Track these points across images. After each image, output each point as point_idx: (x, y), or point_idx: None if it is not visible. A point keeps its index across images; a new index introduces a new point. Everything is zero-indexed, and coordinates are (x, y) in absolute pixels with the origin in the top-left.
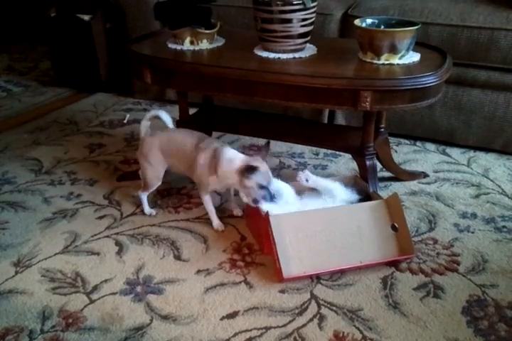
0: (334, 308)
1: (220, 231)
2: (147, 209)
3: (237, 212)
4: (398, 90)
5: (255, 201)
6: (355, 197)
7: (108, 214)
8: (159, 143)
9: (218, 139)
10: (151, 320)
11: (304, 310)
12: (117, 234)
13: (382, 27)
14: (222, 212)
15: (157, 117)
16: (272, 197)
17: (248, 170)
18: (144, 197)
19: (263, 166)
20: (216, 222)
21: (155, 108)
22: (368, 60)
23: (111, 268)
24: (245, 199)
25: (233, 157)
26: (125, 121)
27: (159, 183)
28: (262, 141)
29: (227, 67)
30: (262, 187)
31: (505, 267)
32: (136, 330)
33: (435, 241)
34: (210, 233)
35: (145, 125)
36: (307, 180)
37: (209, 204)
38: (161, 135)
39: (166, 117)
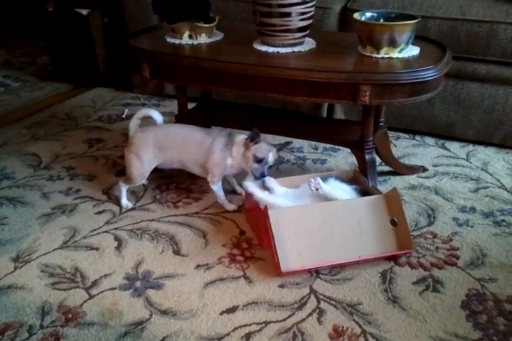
0: (333, 303)
1: (236, 210)
2: (124, 201)
3: (239, 189)
4: (397, 84)
5: (255, 177)
6: None
7: (107, 209)
8: (153, 139)
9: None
10: (151, 315)
11: (304, 305)
12: (116, 229)
13: (382, 20)
14: (220, 207)
15: (148, 117)
16: (263, 174)
17: (252, 136)
18: (124, 189)
19: (266, 144)
20: (228, 204)
21: (151, 104)
22: (368, 54)
23: (110, 264)
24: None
25: (243, 139)
26: (124, 116)
27: (143, 181)
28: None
29: (225, 61)
30: (259, 160)
31: (504, 261)
32: (136, 325)
33: (434, 236)
34: (209, 228)
35: (135, 124)
36: (317, 189)
37: (221, 190)
38: (154, 130)
39: (158, 116)
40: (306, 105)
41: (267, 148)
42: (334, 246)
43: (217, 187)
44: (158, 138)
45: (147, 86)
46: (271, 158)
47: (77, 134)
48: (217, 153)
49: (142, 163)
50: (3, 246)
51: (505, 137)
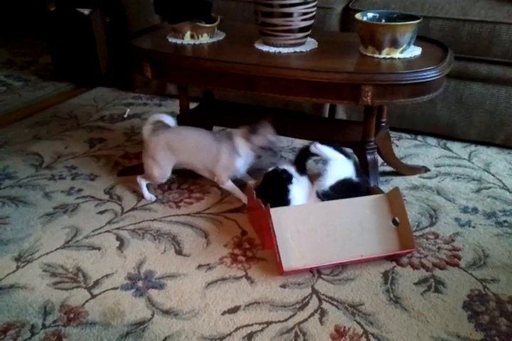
0: (335, 303)
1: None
2: (147, 194)
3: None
4: (399, 84)
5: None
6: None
7: (109, 208)
8: (166, 141)
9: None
10: (153, 315)
11: (305, 305)
12: (118, 228)
13: (384, 21)
14: (222, 207)
15: (160, 121)
16: (275, 154)
17: (249, 131)
18: (144, 183)
19: (263, 129)
20: (244, 197)
21: (153, 103)
22: (369, 54)
23: (112, 263)
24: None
25: (242, 133)
26: (125, 116)
27: (164, 181)
28: None
29: (227, 61)
30: (263, 148)
31: (506, 262)
32: (138, 325)
33: (436, 236)
34: (211, 228)
35: (148, 129)
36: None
37: (233, 184)
38: (167, 133)
39: (170, 120)
40: (307, 105)
41: (265, 134)
42: (336, 246)
43: (228, 185)
44: (170, 141)
45: (149, 86)
46: (272, 138)
47: (79, 134)
48: (226, 157)
49: (159, 165)
50: (5, 245)
51: (508, 137)
